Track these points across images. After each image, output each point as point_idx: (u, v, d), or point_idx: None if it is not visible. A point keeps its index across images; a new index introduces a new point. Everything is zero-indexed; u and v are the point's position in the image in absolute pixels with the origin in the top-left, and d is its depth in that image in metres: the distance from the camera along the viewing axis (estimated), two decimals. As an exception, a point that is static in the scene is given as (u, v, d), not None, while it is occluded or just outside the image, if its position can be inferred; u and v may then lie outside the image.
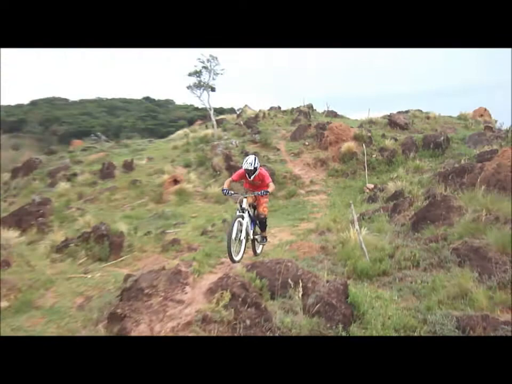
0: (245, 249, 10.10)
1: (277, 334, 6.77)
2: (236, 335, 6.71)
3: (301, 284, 7.76)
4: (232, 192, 10.92)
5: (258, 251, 11.67)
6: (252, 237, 10.95)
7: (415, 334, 7.23)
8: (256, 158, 10.88)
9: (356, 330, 7.01)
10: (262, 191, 10.48)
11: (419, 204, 13.99)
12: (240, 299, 7.08)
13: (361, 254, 10.71)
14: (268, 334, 6.73)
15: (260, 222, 11.20)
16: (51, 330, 8.92)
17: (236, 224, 9.93)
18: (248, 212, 10.61)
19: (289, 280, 7.95)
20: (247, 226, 10.39)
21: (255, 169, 10.66)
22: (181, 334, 6.68)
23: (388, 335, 6.97)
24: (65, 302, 10.37)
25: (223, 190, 10.83)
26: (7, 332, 9.04)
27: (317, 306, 7.28)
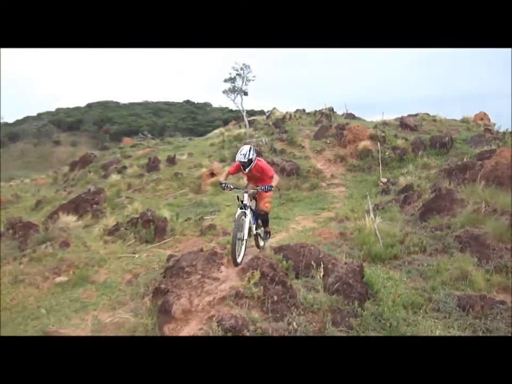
0: (245, 250, 8.37)
1: (300, 309, 6.77)
2: (264, 309, 6.73)
3: (322, 265, 7.76)
4: (232, 187, 8.98)
5: (261, 244, 9.75)
6: (254, 232, 9.15)
7: (421, 311, 7.28)
8: (252, 148, 8.93)
9: (370, 306, 7.02)
10: (266, 186, 8.54)
11: (426, 197, 13.91)
12: (268, 278, 7.09)
13: (375, 240, 10.67)
14: (292, 308, 6.75)
15: (261, 219, 9.40)
16: (103, 302, 9.04)
17: (239, 223, 8.25)
18: (250, 207, 8.79)
19: (312, 262, 7.96)
20: (249, 224, 8.58)
21: (250, 161, 8.77)
22: (217, 307, 6.71)
23: (398, 311, 7.00)
24: (116, 277, 10.48)
25: (220, 183, 9.02)
26: (66, 302, 9.17)
27: (336, 285, 7.28)
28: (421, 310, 7.34)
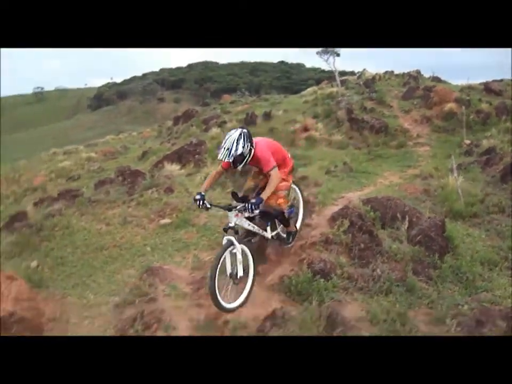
0: (251, 288, 6.13)
1: (384, 257, 6.82)
2: (351, 255, 6.84)
3: (406, 218, 7.71)
4: (208, 205, 5.95)
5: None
6: (269, 236, 6.74)
7: (497, 268, 7.14)
8: (244, 134, 5.92)
9: (449, 259, 6.95)
10: (251, 206, 5.61)
11: (508, 160, 13.34)
12: (356, 226, 7.16)
13: (457, 197, 10.41)
14: (377, 256, 6.81)
15: (277, 219, 6.81)
16: (203, 243, 9.29)
17: (227, 256, 5.77)
18: (237, 230, 6.01)
19: (397, 214, 7.91)
20: (241, 257, 5.86)
21: (241, 156, 5.86)
22: (308, 251, 6.85)
23: (475, 266, 6.92)
24: (215, 221, 10.71)
25: (196, 196, 5.97)
26: (169, 242, 9.58)
27: (419, 237, 7.23)
28: (497, 268, 7.19)
